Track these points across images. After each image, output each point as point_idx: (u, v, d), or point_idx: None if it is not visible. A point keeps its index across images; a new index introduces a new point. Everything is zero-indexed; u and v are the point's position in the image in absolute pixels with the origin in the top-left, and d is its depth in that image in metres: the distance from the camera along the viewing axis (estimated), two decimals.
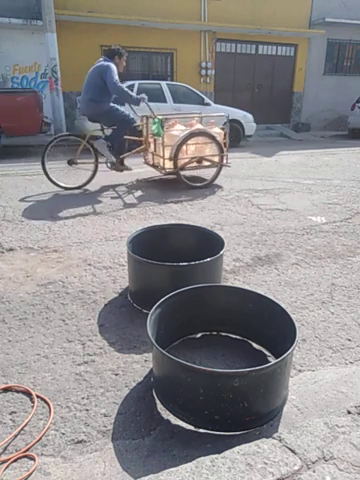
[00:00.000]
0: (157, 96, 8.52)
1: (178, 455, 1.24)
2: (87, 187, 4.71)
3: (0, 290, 2.29)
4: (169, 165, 4.63)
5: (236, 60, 12.95)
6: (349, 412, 1.38)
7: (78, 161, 4.58)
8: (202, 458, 1.16)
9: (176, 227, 2.58)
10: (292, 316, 1.53)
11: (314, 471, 1.11)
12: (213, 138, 4.73)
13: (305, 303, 2.19)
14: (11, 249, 2.88)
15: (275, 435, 1.25)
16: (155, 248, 2.38)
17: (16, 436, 1.32)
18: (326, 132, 13.06)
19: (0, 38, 10.15)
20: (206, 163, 4.86)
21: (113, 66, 4.30)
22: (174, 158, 4.55)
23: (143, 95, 4.44)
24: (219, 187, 4.86)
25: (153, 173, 5.33)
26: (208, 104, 8.90)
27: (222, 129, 5.07)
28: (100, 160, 4.67)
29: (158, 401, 1.46)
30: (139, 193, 4.59)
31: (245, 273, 2.54)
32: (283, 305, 1.63)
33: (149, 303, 1.69)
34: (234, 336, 1.85)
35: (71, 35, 10.63)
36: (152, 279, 2.03)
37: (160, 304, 1.63)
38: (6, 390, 1.52)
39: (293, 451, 1.17)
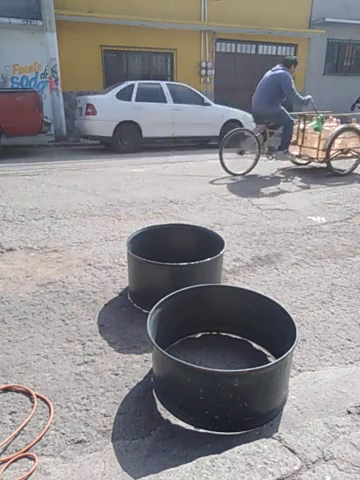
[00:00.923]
0: (157, 96, 8.52)
1: (178, 455, 1.24)
2: (249, 173, 5.58)
3: (0, 290, 2.29)
4: (321, 155, 5.38)
5: (236, 60, 12.94)
6: (349, 412, 1.38)
7: (246, 152, 5.56)
8: (202, 458, 1.16)
9: (176, 227, 2.58)
10: (292, 316, 1.53)
11: (314, 471, 1.10)
12: (359, 133, 5.54)
13: (305, 303, 2.19)
14: (11, 249, 2.88)
15: (275, 435, 1.25)
16: (155, 248, 2.38)
17: (16, 436, 1.32)
18: None
19: (0, 38, 10.16)
20: (349, 154, 5.60)
21: (289, 75, 5.15)
22: (327, 149, 5.30)
23: (309, 96, 5.18)
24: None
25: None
26: (208, 104, 8.91)
27: None
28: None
29: (158, 401, 1.46)
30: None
31: (245, 273, 2.54)
32: (283, 305, 1.63)
33: (149, 303, 1.69)
34: (234, 336, 1.85)
35: (71, 35, 10.63)
36: (152, 279, 2.03)
37: (160, 304, 1.63)
38: (6, 390, 1.52)
39: (293, 451, 1.17)
